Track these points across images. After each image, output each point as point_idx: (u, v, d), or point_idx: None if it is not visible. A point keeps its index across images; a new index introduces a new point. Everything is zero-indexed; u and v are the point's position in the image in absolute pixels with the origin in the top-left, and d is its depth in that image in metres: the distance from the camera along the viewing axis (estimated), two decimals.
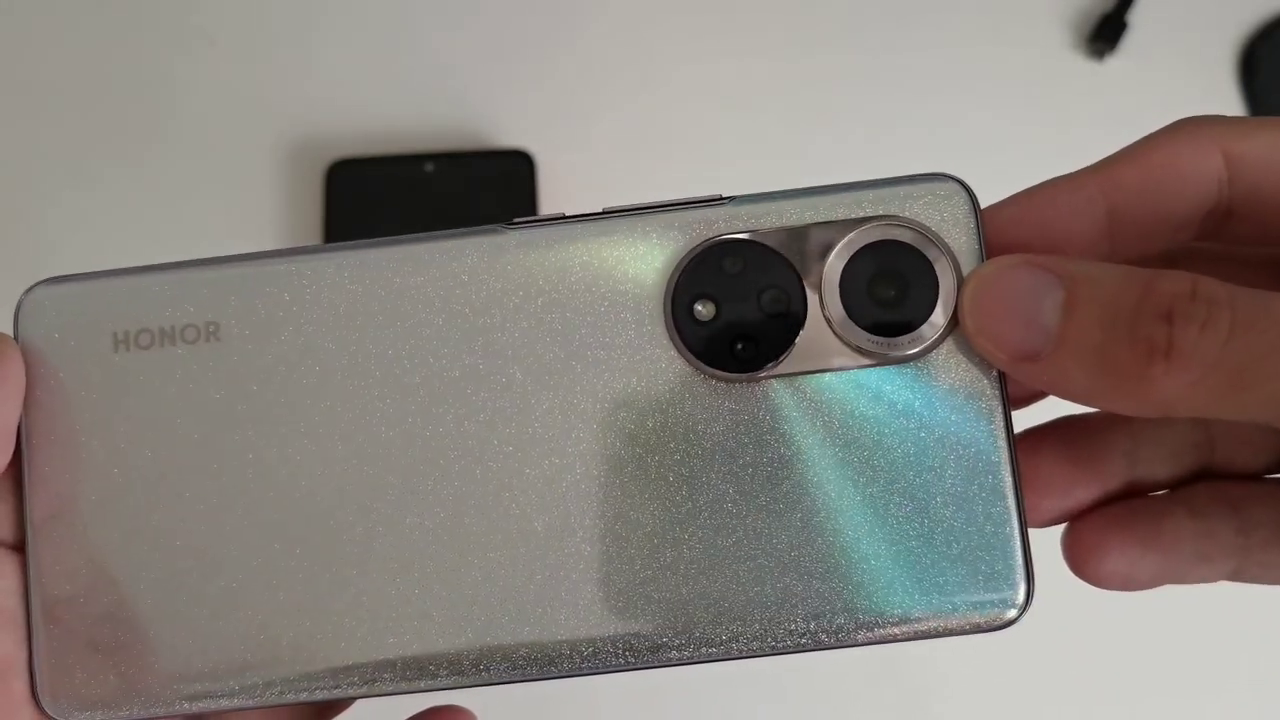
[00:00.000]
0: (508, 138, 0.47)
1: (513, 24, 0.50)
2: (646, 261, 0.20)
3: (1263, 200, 0.19)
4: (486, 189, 0.45)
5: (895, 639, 0.19)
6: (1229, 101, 0.49)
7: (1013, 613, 0.19)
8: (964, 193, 0.20)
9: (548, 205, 0.45)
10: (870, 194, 0.20)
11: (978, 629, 0.19)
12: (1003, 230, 0.20)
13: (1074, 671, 0.42)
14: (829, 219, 0.20)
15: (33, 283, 0.21)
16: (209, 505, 0.20)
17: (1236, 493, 0.22)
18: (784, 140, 0.48)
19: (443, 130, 0.47)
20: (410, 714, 0.22)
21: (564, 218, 0.20)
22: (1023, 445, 0.21)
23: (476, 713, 0.24)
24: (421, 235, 0.21)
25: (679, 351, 0.20)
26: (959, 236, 0.20)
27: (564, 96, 0.48)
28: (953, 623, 0.19)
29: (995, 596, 0.19)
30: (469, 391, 0.20)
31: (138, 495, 0.20)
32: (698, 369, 0.20)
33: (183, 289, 0.20)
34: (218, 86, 0.48)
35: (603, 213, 0.20)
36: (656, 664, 0.19)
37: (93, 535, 0.20)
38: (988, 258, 0.20)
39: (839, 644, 0.19)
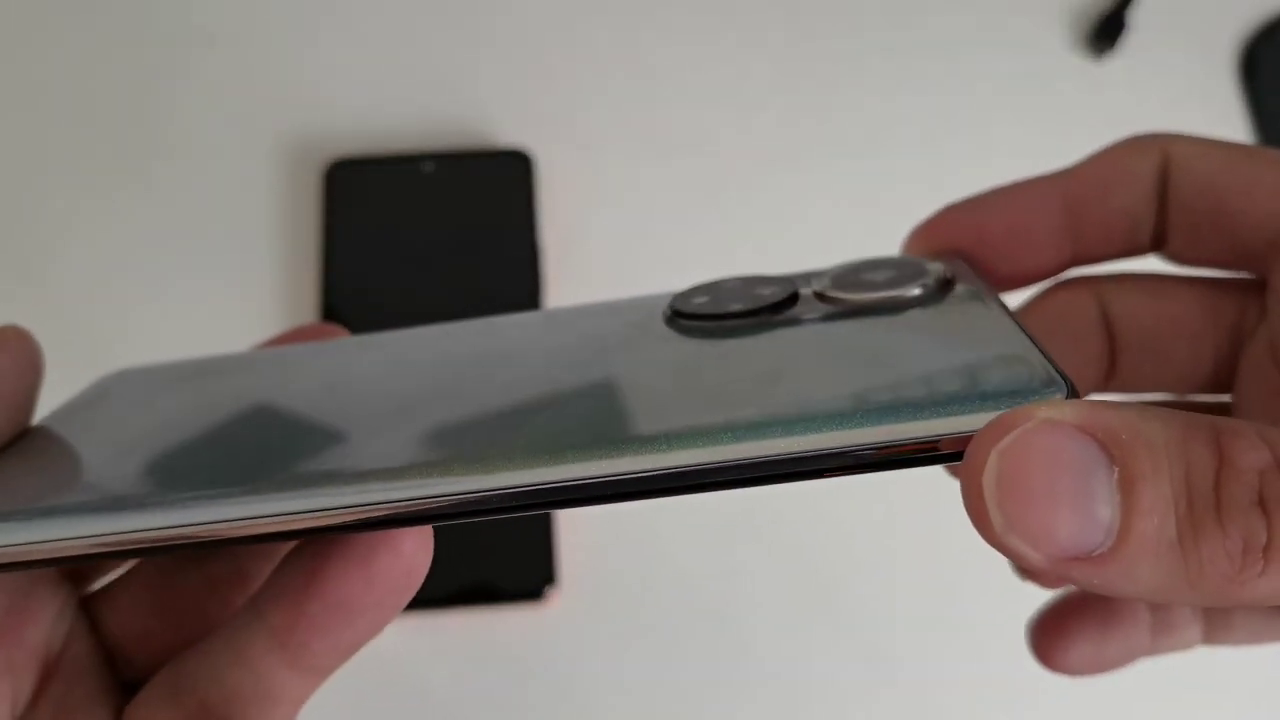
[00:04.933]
0: (507, 138, 0.47)
1: (512, 24, 0.50)
2: (653, 299, 0.21)
3: (1193, 194, 0.20)
4: (486, 189, 0.45)
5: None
6: (1229, 102, 0.49)
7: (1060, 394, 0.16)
8: None
9: (547, 205, 0.45)
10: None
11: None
12: (963, 223, 0.21)
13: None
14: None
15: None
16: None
17: None
18: (783, 139, 0.48)
19: (442, 130, 0.47)
20: None
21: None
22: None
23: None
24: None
25: (674, 328, 0.20)
26: None
27: (564, 96, 0.48)
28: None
29: (1034, 384, 0.16)
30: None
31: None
32: (690, 327, 0.20)
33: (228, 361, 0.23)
34: (217, 86, 0.48)
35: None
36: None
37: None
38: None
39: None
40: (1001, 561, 0.26)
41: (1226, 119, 0.49)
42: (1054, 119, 0.48)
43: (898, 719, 0.40)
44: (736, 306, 0.20)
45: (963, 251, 0.21)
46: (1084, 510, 0.14)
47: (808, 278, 0.21)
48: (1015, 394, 0.16)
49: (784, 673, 0.40)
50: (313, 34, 0.50)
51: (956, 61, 0.49)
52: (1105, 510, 0.14)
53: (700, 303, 0.20)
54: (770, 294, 0.20)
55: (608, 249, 0.46)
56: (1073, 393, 0.16)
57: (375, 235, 0.45)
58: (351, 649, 0.19)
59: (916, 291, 0.19)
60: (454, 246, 0.44)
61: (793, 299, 0.20)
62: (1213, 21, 0.50)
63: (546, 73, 0.49)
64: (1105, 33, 0.49)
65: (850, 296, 0.19)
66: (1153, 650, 0.22)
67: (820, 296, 0.20)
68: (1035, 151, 0.47)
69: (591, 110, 0.48)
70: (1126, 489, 0.14)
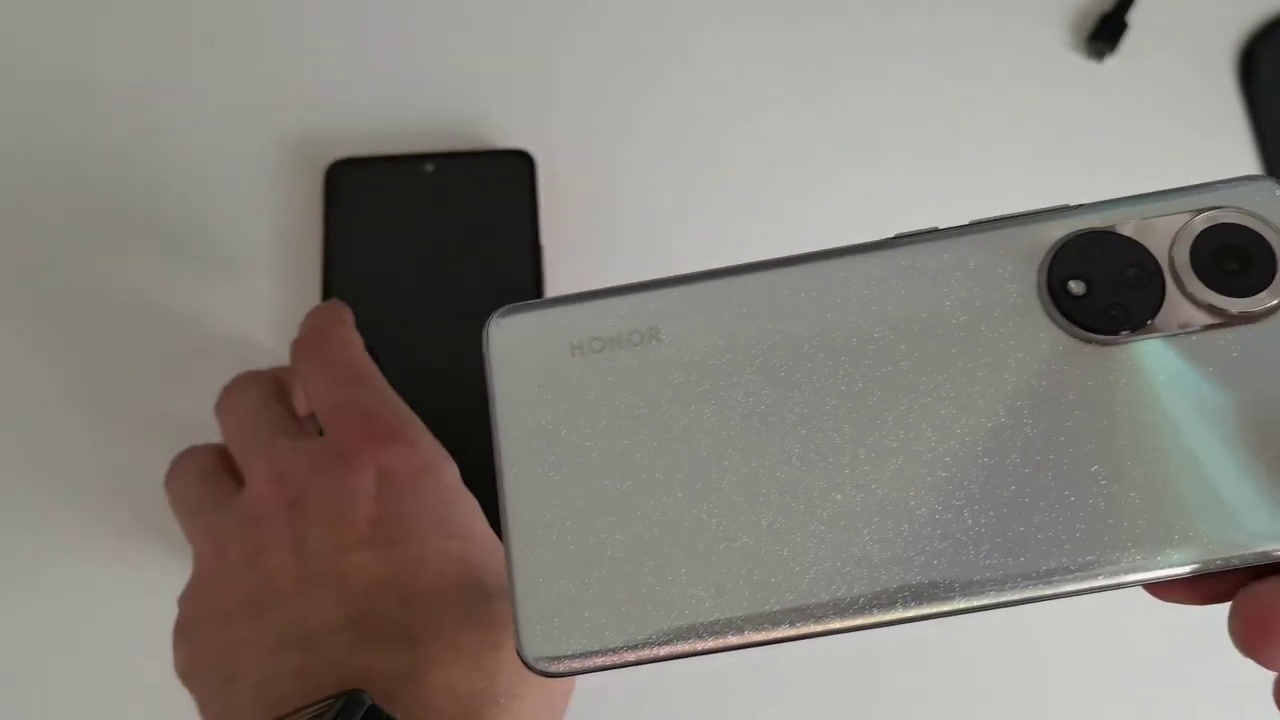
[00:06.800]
0: (508, 138, 0.47)
1: (513, 23, 0.50)
2: (1018, 256, 0.23)
3: None
4: (486, 189, 0.45)
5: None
6: (1228, 101, 0.49)
7: None
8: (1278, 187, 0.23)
9: (547, 205, 0.45)
10: (1202, 194, 0.23)
11: None
12: None
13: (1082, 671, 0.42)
14: (1170, 212, 0.23)
15: (495, 311, 0.25)
16: (664, 468, 0.23)
17: None
18: (783, 139, 0.48)
19: (443, 130, 0.47)
20: None
21: (938, 230, 0.24)
22: None
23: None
24: (823, 252, 0.24)
25: (1059, 325, 0.23)
26: None
27: (564, 96, 0.49)
28: None
29: None
30: (872, 382, 0.23)
31: (602, 464, 0.23)
32: (1080, 338, 0.22)
33: (626, 303, 0.24)
34: (217, 86, 0.48)
35: (970, 224, 0.24)
36: (1064, 592, 0.21)
37: (566, 496, 0.23)
38: None
39: (1230, 566, 0.21)
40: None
41: (1226, 119, 0.49)
42: (1054, 119, 0.48)
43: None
44: (1114, 314, 0.23)
45: None
46: None
47: (1164, 238, 0.23)
48: None
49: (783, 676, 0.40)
50: (313, 34, 0.50)
51: (957, 61, 0.49)
52: None
53: (1077, 294, 0.23)
54: (1143, 296, 0.23)
55: (608, 249, 0.46)
56: None
57: (376, 235, 0.45)
58: None
59: (1275, 302, 0.22)
60: (455, 246, 0.44)
61: (1159, 296, 0.23)
62: (1212, 21, 0.50)
63: (548, 73, 0.49)
64: (1105, 33, 0.49)
65: (1215, 303, 0.22)
66: None
67: (1186, 295, 0.22)
68: (1035, 151, 0.47)
69: (592, 110, 0.48)
70: None
